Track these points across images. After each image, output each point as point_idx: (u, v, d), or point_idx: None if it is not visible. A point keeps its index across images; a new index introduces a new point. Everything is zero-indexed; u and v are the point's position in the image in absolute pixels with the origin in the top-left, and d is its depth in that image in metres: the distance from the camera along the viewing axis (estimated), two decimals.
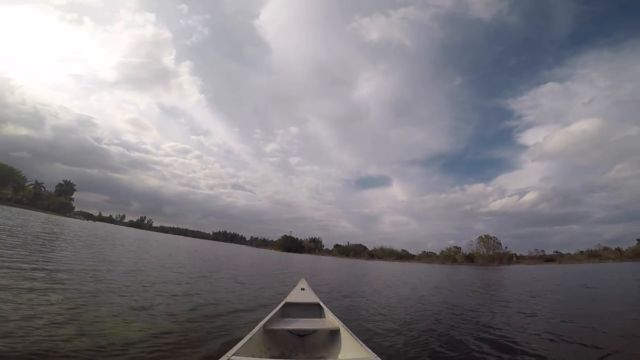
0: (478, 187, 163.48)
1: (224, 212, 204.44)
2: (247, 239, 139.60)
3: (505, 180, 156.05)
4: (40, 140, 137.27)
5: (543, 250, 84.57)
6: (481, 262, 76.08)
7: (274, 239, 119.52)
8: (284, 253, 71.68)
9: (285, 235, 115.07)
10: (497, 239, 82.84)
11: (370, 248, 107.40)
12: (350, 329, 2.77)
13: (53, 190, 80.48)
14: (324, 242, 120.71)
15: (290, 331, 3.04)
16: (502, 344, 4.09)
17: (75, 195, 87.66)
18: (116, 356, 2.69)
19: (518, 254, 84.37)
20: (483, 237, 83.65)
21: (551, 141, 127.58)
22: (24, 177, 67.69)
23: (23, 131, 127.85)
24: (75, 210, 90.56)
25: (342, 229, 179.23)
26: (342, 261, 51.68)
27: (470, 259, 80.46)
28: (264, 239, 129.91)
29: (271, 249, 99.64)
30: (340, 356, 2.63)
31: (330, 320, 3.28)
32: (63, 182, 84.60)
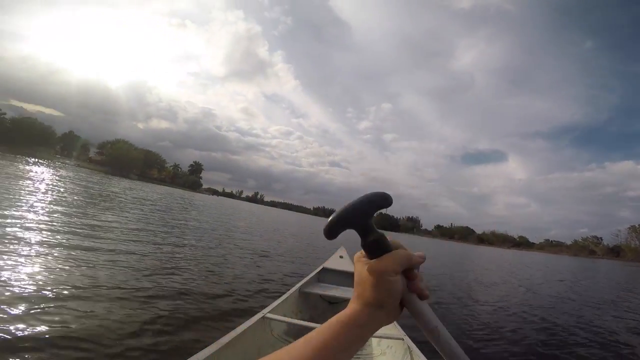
0: (626, 165, 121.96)
1: (323, 188, 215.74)
2: None
3: None
4: (178, 132, 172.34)
5: None
6: (631, 256, 60.97)
7: None
8: None
9: (380, 213, 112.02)
10: None
11: (478, 232, 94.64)
12: None
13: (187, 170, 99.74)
14: (422, 222, 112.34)
15: (322, 297, 3.11)
16: None
17: (204, 175, 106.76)
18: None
19: None
20: (637, 226, 64.97)
21: None
22: (164, 160, 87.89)
23: (164, 124, 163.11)
24: (204, 187, 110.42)
25: (443, 209, 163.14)
26: (445, 245, 45.28)
27: (614, 252, 64.95)
28: None
29: None
30: None
31: None
32: (193, 163, 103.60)
